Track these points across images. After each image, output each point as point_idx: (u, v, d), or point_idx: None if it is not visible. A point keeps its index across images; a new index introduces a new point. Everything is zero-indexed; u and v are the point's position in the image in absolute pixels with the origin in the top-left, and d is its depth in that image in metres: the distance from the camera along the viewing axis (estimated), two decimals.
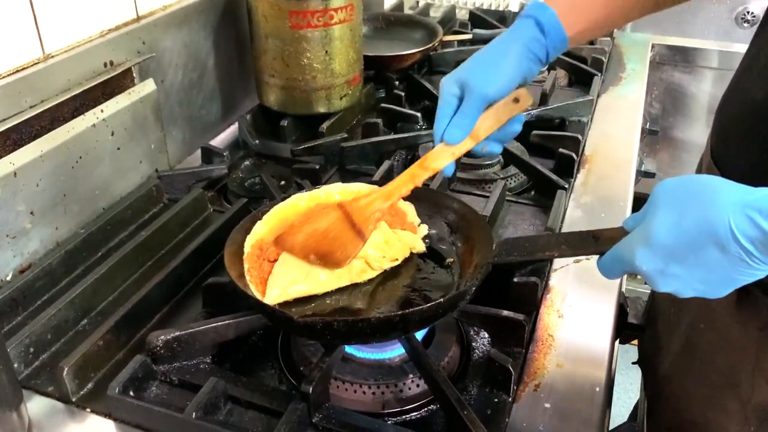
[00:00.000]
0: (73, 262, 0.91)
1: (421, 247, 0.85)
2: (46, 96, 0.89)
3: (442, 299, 0.69)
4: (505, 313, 0.79)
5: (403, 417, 0.73)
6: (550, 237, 0.82)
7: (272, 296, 0.73)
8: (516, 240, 0.78)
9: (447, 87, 0.79)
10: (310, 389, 0.67)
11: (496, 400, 0.73)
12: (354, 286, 0.78)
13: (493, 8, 2.00)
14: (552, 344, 0.81)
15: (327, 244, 0.76)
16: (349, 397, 0.74)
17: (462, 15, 1.94)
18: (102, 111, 0.96)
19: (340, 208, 0.78)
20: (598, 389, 0.75)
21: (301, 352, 0.78)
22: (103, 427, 0.71)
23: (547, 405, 0.73)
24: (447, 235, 0.87)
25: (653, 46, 1.77)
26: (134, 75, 1.02)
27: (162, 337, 0.74)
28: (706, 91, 1.85)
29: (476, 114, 0.77)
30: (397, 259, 0.82)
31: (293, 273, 0.75)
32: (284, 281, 0.74)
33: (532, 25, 0.79)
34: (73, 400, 0.73)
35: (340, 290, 0.77)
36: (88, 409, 0.73)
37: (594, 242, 0.70)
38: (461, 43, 1.66)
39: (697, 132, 1.89)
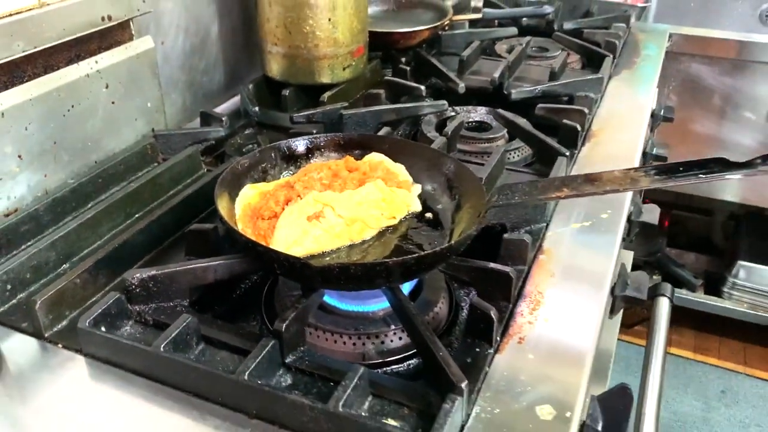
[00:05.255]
0: (61, 210, 0.90)
1: (417, 206, 0.85)
2: (40, 43, 0.89)
3: (449, 244, 0.69)
4: (492, 264, 0.76)
5: (384, 369, 0.70)
6: (551, 181, 0.80)
7: None
8: (514, 185, 0.77)
9: None
10: (283, 327, 0.65)
11: (477, 349, 0.70)
12: (351, 245, 0.79)
13: None
14: (541, 301, 0.78)
15: None
16: (329, 347, 0.72)
17: (477, 1, 1.92)
18: (96, 62, 0.95)
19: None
20: (589, 342, 0.72)
21: (283, 303, 0.77)
22: (75, 364, 0.69)
23: (531, 356, 0.70)
24: (438, 192, 0.87)
25: (671, 35, 1.73)
26: (132, 31, 1.02)
27: (138, 275, 0.72)
28: (726, 83, 1.80)
29: None
30: (394, 217, 0.82)
31: (293, 234, 0.76)
32: (285, 243, 0.75)
33: None
34: (46, 335, 0.72)
35: (337, 249, 0.78)
36: (60, 345, 0.71)
37: (592, 185, 0.70)
38: (473, 25, 1.63)
39: (713, 125, 1.84)
